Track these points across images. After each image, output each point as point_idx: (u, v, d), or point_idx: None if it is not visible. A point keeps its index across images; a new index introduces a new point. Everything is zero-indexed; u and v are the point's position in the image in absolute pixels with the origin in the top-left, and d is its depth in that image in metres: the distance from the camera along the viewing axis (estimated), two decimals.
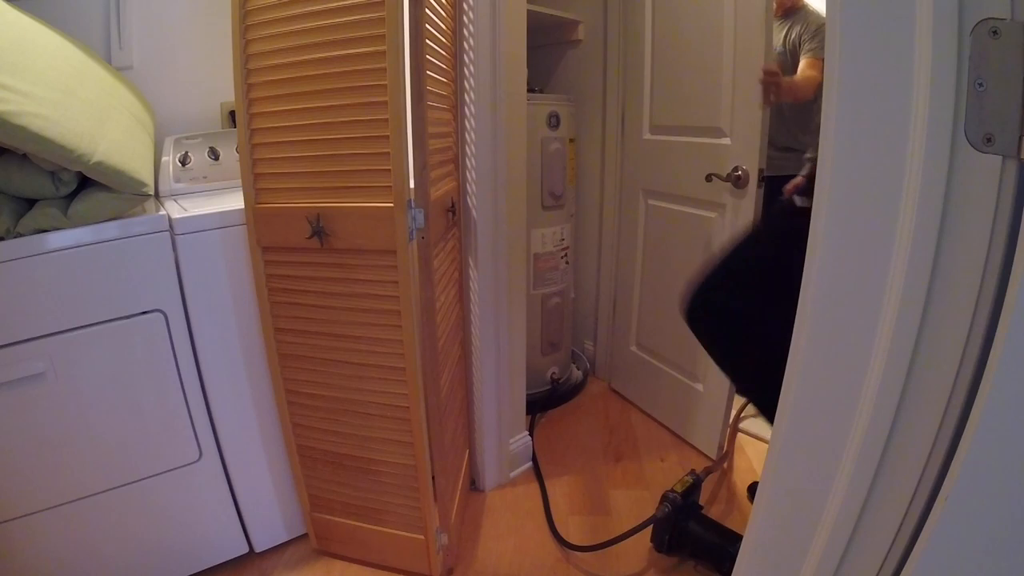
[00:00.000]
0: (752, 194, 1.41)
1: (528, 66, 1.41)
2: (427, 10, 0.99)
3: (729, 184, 1.44)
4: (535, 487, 1.55)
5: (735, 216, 1.46)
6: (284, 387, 1.16)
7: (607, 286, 2.06)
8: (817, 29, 1.65)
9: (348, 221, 1.01)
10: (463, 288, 1.43)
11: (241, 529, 1.26)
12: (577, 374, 2.13)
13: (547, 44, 2.04)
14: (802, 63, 1.66)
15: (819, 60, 1.66)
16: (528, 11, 1.37)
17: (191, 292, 1.07)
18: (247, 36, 1.00)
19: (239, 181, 1.06)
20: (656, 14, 1.64)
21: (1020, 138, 0.40)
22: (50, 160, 0.89)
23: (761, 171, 1.40)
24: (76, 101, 0.94)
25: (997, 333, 0.43)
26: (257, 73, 1.01)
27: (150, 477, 1.10)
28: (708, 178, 1.48)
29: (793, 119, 1.67)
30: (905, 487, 0.51)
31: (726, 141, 1.46)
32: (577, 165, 2.01)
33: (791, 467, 0.62)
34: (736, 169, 1.42)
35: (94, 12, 1.34)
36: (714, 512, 1.33)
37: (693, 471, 1.36)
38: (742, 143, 1.41)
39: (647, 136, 1.75)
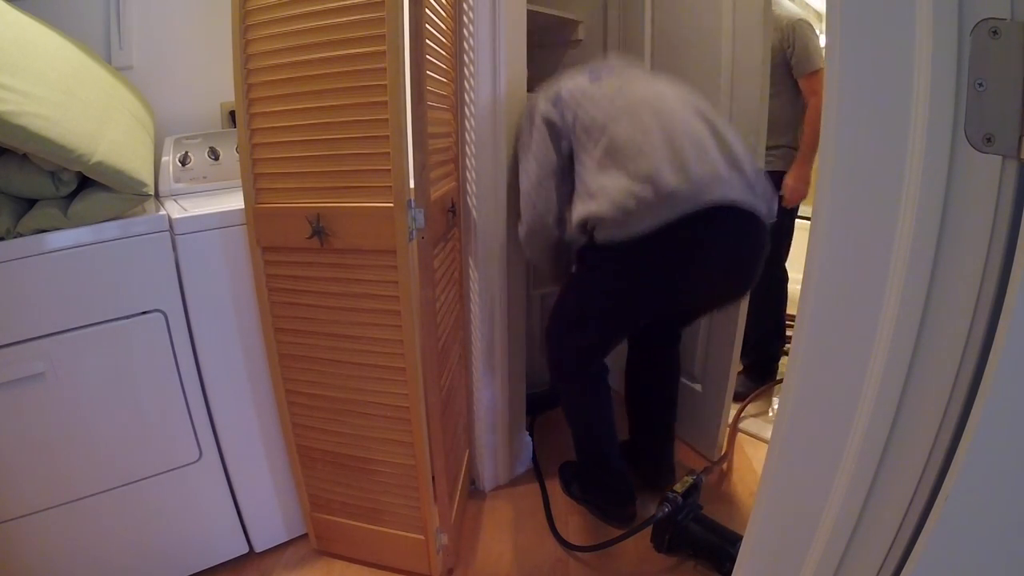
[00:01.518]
0: None
1: (528, 66, 1.41)
2: (427, 10, 0.99)
3: None
4: (535, 487, 1.55)
5: None
6: (284, 387, 1.16)
7: None
8: (794, 36, 1.68)
9: (348, 221, 1.01)
10: (463, 288, 1.43)
11: (241, 529, 1.26)
12: None
13: (547, 44, 2.03)
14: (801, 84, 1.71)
15: (807, 76, 1.69)
16: (528, 11, 1.37)
17: (191, 292, 1.07)
18: (247, 36, 1.00)
19: (239, 181, 1.06)
20: (655, 14, 1.64)
21: (1020, 138, 0.41)
22: (50, 160, 0.89)
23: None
24: (76, 101, 0.94)
25: (997, 333, 0.43)
26: (257, 73, 1.01)
27: (150, 477, 1.10)
28: None
29: (774, 119, 1.68)
30: (905, 487, 0.51)
31: None
32: None
33: (791, 467, 0.62)
34: None
35: (94, 12, 1.34)
36: (714, 512, 1.33)
37: (693, 471, 1.36)
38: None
39: None
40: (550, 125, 1.20)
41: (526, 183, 1.24)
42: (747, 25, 1.34)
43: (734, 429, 1.73)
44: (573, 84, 1.21)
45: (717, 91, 1.45)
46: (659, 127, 1.07)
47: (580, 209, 1.10)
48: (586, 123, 1.15)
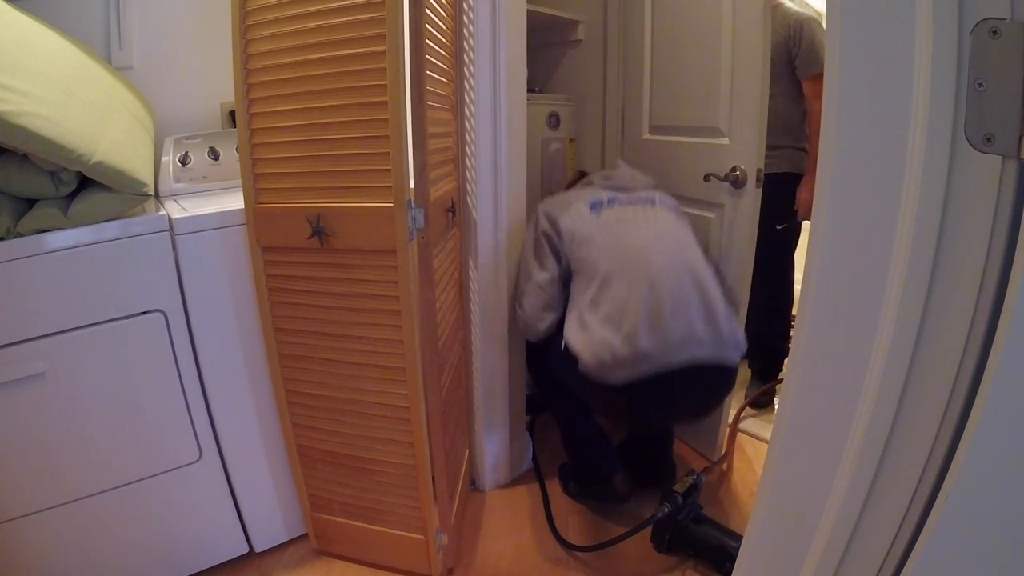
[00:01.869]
0: (751, 193, 1.41)
1: (528, 66, 1.41)
2: (427, 10, 0.99)
3: (727, 184, 1.44)
4: (535, 487, 1.55)
5: (733, 216, 1.46)
6: (284, 387, 1.16)
7: None
8: (801, 33, 1.65)
9: (348, 221, 1.01)
10: (463, 288, 1.43)
11: (241, 529, 1.26)
12: None
13: (547, 44, 2.04)
14: (805, 87, 1.68)
15: (811, 78, 1.67)
16: (528, 11, 1.37)
17: (191, 292, 1.07)
18: (247, 36, 1.00)
19: (239, 181, 1.06)
20: (655, 14, 1.64)
21: (1020, 138, 0.41)
22: (50, 160, 0.89)
23: (759, 171, 1.40)
24: (76, 101, 0.94)
25: (997, 333, 0.43)
26: (257, 73, 1.01)
27: (150, 477, 1.10)
28: (706, 178, 1.48)
29: (778, 119, 1.67)
30: (905, 487, 0.51)
31: (724, 141, 1.46)
32: (577, 165, 2.00)
33: (791, 467, 0.62)
34: (734, 169, 1.42)
35: (94, 12, 1.34)
36: (714, 512, 1.33)
37: (693, 471, 1.36)
38: (740, 143, 1.41)
39: (646, 136, 1.75)
40: (549, 241, 1.32)
41: (526, 283, 1.35)
42: (747, 25, 1.34)
43: (734, 429, 1.73)
44: (569, 218, 1.30)
45: (717, 90, 1.45)
46: (646, 285, 1.14)
47: (567, 333, 1.19)
48: (582, 255, 1.25)
